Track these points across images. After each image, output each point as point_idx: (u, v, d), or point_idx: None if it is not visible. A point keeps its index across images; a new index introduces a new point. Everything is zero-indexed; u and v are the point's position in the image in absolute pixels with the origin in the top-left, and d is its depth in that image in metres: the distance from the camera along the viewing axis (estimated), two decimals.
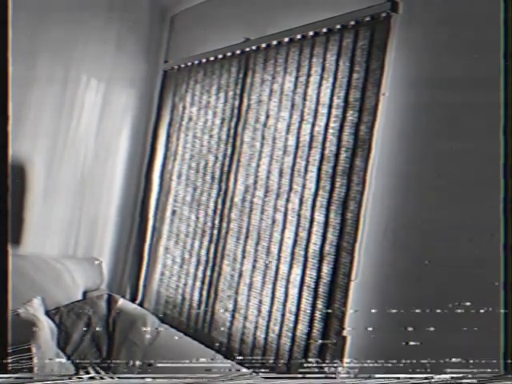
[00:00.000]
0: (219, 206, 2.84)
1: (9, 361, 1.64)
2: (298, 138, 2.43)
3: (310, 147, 2.36)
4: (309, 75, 2.42)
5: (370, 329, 2.02)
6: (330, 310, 2.11)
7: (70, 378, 1.66)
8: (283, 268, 2.39)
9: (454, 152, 1.87)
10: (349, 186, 2.15)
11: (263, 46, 2.68)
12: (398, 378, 1.67)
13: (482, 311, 1.70)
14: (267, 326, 2.42)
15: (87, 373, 2.44)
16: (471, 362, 1.68)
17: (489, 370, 1.64)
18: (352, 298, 2.08)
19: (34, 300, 2.53)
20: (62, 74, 3.07)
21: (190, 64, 3.21)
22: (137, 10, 3.38)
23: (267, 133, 2.60)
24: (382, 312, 1.99)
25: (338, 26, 2.29)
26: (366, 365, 1.95)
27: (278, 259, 2.42)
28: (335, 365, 2.09)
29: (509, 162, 1.67)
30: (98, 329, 2.68)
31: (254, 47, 2.75)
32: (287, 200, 2.43)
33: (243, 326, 2.55)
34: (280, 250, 2.42)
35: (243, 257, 2.62)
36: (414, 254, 1.92)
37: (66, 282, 2.87)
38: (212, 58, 3.03)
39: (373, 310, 2.02)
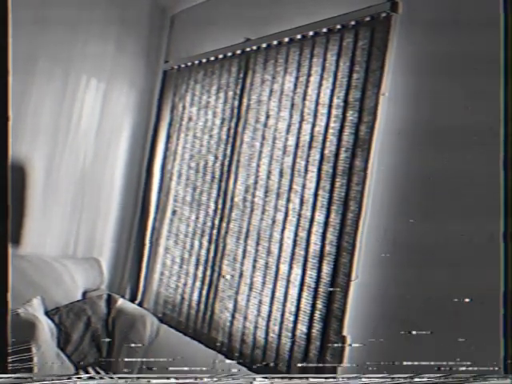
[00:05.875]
0: (219, 206, 2.83)
1: (9, 361, 1.63)
2: (298, 138, 2.43)
3: (310, 147, 2.36)
4: (309, 75, 2.42)
5: (370, 329, 2.01)
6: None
7: (69, 378, 1.66)
8: (283, 268, 2.39)
9: (453, 152, 1.87)
10: (349, 186, 2.15)
11: (263, 45, 2.68)
12: (398, 378, 1.67)
13: (481, 311, 1.70)
14: (267, 326, 2.42)
15: (87, 373, 2.44)
16: (471, 361, 1.68)
17: (489, 370, 1.64)
18: (352, 297, 2.08)
19: (33, 300, 2.53)
20: (62, 74, 3.07)
21: (190, 64, 3.21)
22: (137, 9, 3.38)
23: (267, 133, 2.60)
24: (381, 312, 1.99)
25: (338, 26, 2.29)
26: (365, 365, 1.95)
27: (278, 259, 2.42)
28: (335, 365, 2.09)
29: (509, 161, 1.67)
30: (97, 329, 2.68)
31: (254, 47, 2.75)
32: (287, 200, 2.43)
33: (243, 326, 2.55)
34: (280, 250, 2.42)
35: (243, 257, 2.62)
36: (414, 254, 1.92)
37: (66, 282, 2.87)
38: (212, 58, 3.03)
39: (372, 310, 2.02)
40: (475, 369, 1.66)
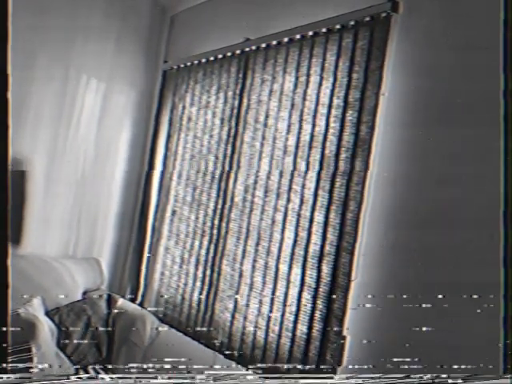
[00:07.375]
0: (219, 206, 2.83)
1: (9, 361, 1.63)
2: (298, 138, 2.42)
3: (310, 147, 2.36)
4: (308, 75, 2.42)
5: (370, 329, 2.01)
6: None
7: (69, 378, 1.66)
8: (283, 268, 2.39)
9: (453, 152, 1.87)
10: (349, 186, 2.15)
11: (263, 46, 2.68)
12: (398, 378, 1.67)
13: (481, 311, 1.70)
14: (267, 326, 2.42)
15: (87, 373, 2.44)
16: (471, 361, 1.68)
17: (489, 370, 1.64)
18: (352, 297, 2.08)
19: (34, 300, 2.53)
20: (62, 73, 3.07)
21: (189, 64, 3.21)
22: (137, 9, 3.38)
23: (267, 133, 2.60)
24: (381, 312, 1.99)
25: (338, 26, 2.29)
26: (365, 365, 1.95)
27: (278, 259, 2.42)
28: (335, 365, 2.09)
29: (509, 161, 1.67)
30: (97, 329, 2.68)
31: (254, 47, 2.75)
32: (287, 200, 2.43)
33: (243, 326, 2.55)
34: (280, 250, 2.42)
35: (243, 257, 2.62)
36: (414, 254, 1.92)
37: (67, 281, 2.87)
38: (212, 58, 3.03)
39: (372, 310, 2.02)
40: (475, 368, 1.66)
